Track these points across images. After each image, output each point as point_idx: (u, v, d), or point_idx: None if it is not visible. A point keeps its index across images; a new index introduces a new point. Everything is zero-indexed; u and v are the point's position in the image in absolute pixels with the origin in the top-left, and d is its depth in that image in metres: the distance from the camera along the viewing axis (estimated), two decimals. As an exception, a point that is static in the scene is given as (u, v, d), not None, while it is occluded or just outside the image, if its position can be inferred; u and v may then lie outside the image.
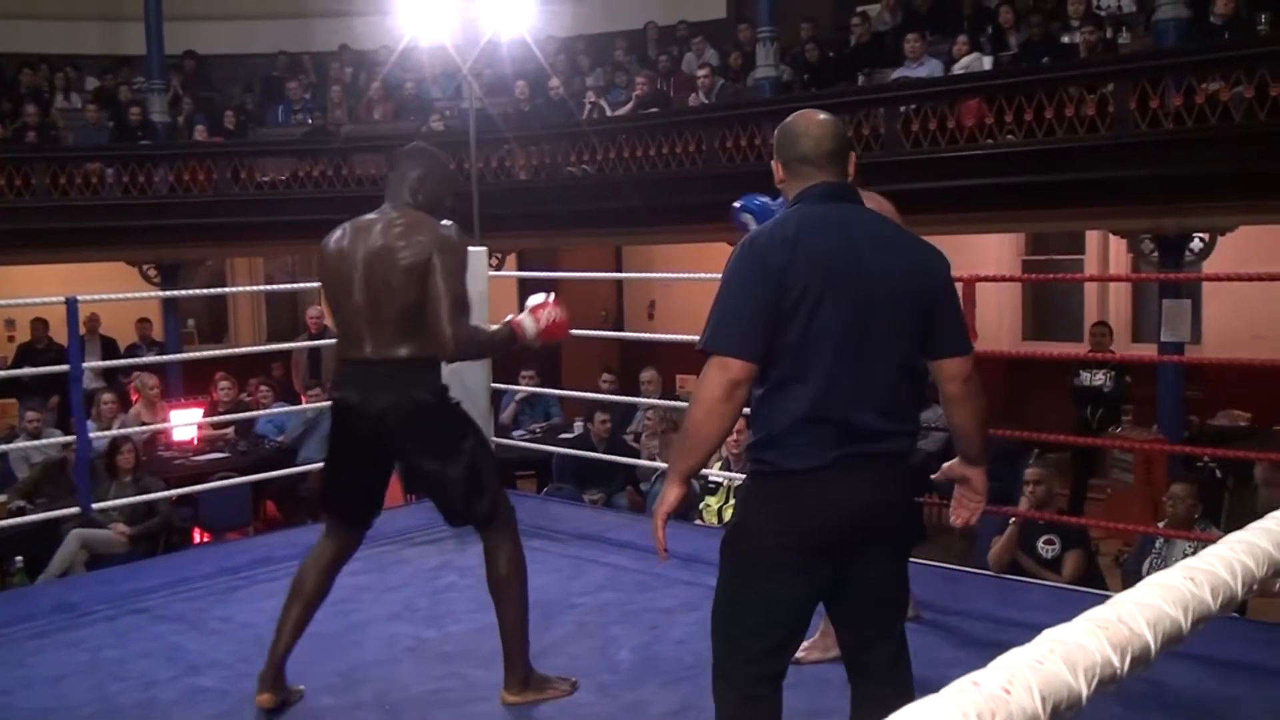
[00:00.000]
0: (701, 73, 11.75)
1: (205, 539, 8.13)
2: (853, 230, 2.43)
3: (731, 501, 6.50)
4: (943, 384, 2.53)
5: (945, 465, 2.75)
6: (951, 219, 9.34)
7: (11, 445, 7.86)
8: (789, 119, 2.58)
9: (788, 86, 11.37)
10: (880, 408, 2.39)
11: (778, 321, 2.35)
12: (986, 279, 5.11)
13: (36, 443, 8.00)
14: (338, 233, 3.42)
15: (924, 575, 4.68)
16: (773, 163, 2.63)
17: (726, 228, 11.59)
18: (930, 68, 10.11)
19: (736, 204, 3.73)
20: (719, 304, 2.41)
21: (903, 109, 9.61)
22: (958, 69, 9.95)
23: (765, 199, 3.59)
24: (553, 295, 3.51)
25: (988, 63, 9.94)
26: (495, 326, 3.48)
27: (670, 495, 2.47)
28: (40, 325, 12.15)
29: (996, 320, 11.69)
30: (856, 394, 2.37)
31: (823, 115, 2.57)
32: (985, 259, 11.46)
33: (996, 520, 5.84)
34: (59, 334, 11.75)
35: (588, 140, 11.54)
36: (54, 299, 5.32)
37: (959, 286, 4.08)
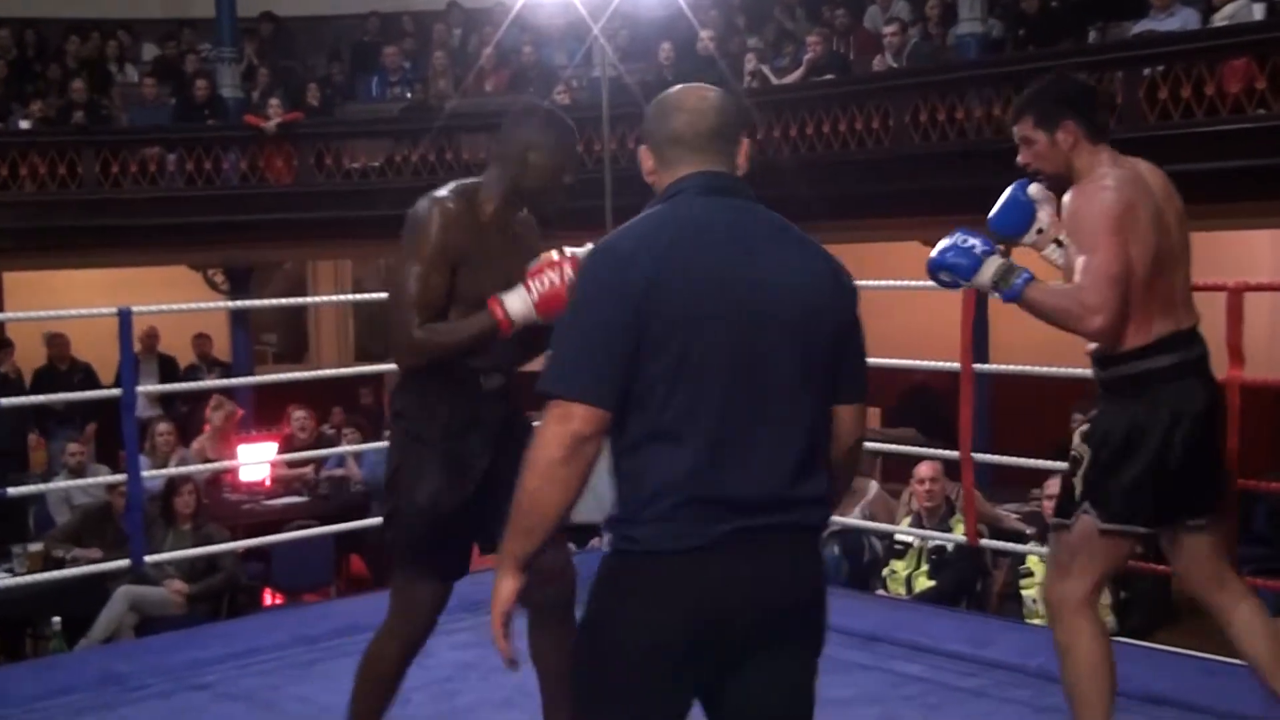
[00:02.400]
0: (889, 29, 11.66)
1: (278, 600, 8.31)
2: (743, 236, 2.31)
3: (924, 568, 6.41)
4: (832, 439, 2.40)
5: None
6: (1210, 210, 9.06)
7: (50, 485, 8.16)
8: (663, 93, 2.47)
9: (998, 45, 11.21)
10: (781, 468, 2.27)
11: (641, 357, 2.21)
12: (1260, 287, 4.93)
13: (81, 482, 8.29)
14: None
15: (1175, 666, 4.54)
16: (640, 149, 2.48)
17: (919, 224, 11.51)
18: (1183, 18, 9.85)
19: (934, 253, 3.46)
20: (561, 333, 2.29)
21: (1147, 71, 9.40)
22: (1219, 20, 9.67)
23: (977, 241, 3.35)
24: (568, 252, 3.27)
25: (1259, 11, 9.64)
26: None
27: (504, 588, 2.32)
28: (59, 342, 12.28)
29: (1270, 340, 11.28)
30: (748, 451, 2.25)
31: (709, 89, 2.45)
32: (1257, 261, 11.11)
33: (1269, 595, 5.63)
34: (83, 351, 12.18)
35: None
36: (105, 310, 5.51)
37: (1224, 296, 4.03)
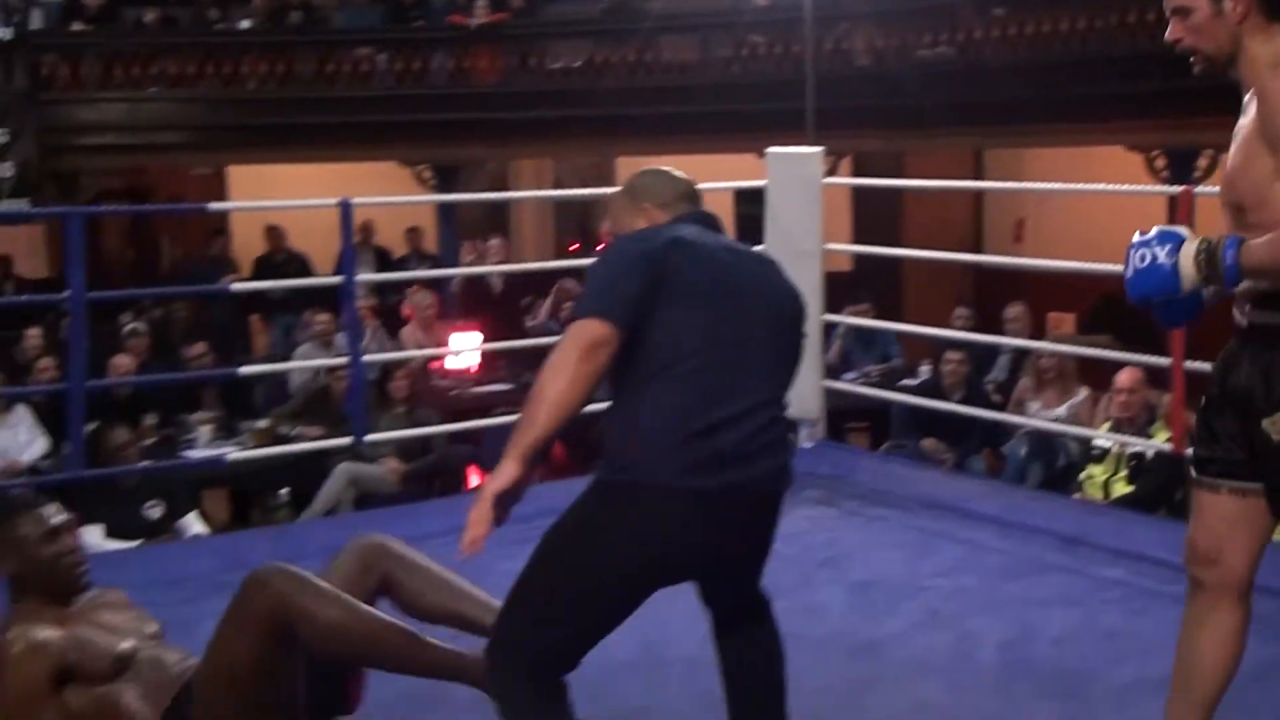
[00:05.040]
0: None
1: (484, 481, 8.51)
2: (725, 250, 2.75)
3: (1123, 473, 6.28)
4: None
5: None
6: None
7: (277, 366, 8.47)
8: (644, 172, 2.97)
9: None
10: (752, 429, 2.60)
11: (654, 305, 2.57)
12: None
13: (308, 363, 8.58)
14: None
15: None
16: (632, 210, 2.88)
17: (1124, 127, 11.07)
18: None
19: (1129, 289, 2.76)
20: (588, 284, 2.66)
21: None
22: None
23: (1155, 249, 2.67)
24: None
25: None
26: None
27: (505, 472, 2.56)
28: (277, 234, 12.68)
29: None
30: (729, 408, 2.57)
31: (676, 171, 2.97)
32: None
33: None
34: (297, 243, 12.51)
35: (952, 15, 11.25)
36: (327, 201, 5.66)
37: None
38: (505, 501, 2.60)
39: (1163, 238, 2.63)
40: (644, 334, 2.57)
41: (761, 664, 2.89)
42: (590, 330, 2.51)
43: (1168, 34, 2.69)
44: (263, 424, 8.05)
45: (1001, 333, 8.55)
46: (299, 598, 2.86)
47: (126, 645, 3.00)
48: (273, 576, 2.90)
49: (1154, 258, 2.62)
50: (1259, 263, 2.51)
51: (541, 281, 11.09)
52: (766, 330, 2.71)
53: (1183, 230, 2.65)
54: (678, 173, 2.96)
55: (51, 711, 2.91)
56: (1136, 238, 2.68)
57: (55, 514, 3.07)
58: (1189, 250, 2.58)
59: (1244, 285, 2.60)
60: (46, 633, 2.92)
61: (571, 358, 2.50)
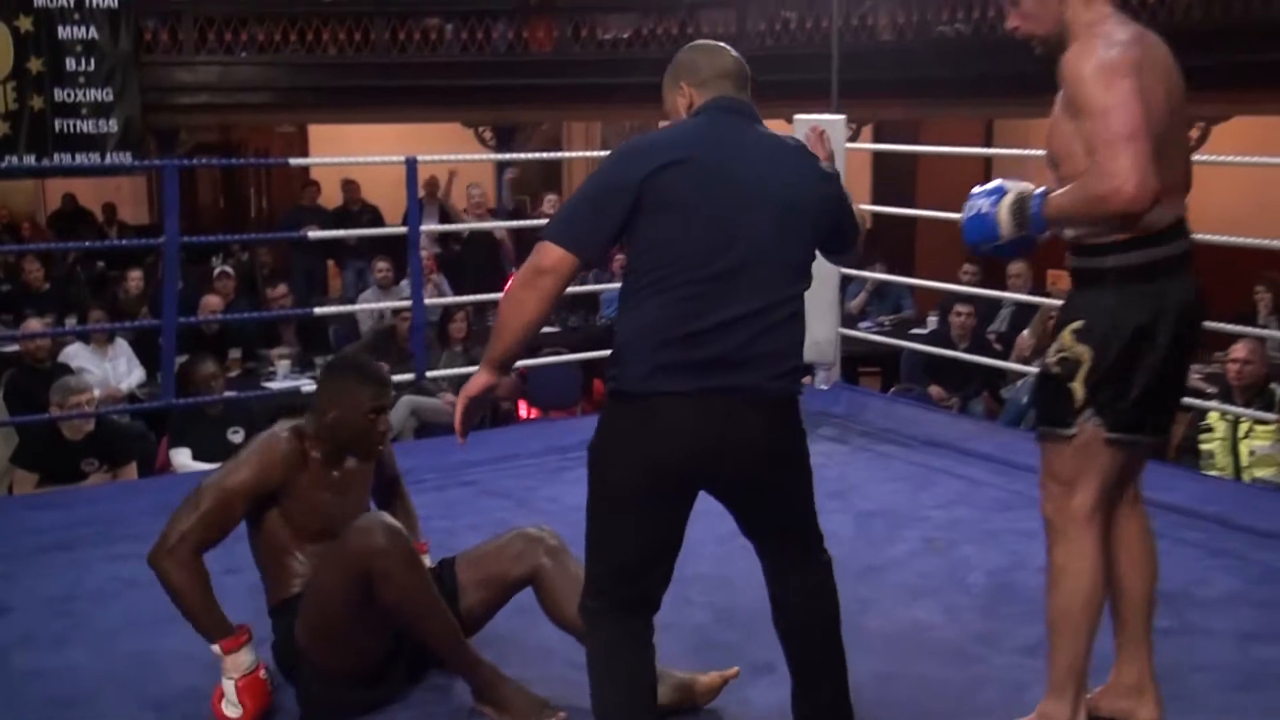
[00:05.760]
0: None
1: (533, 415, 8.55)
2: (742, 143, 2.54)
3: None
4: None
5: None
6: None
7: (349, 307, 8.50)
8: (691, 46, 2.74)
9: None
10: (749, 335, 2.43)
11: (638, 226, 2.44)
12: None
13: (373, 305, 8.62)
14: None
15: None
16: (672, 89, 2.68)
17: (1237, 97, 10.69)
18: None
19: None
20: (566, 202, 2.52)
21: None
22: None
23: (983, 200, 2.76)
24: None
25: None
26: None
27: (476, 380, 2.59)
28: (352, 187, 12.63)
29: None
30: (723, 314, 2.42)
31: (725, 46, 2.71)
32: None
33: None
34: (371, 194, 12.53)
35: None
36: (394, 158, 5.67)
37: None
38: (480, 403, 2.64)
39: (990, 191, 2.74)
40: (636, 249, 2.48)
41: (808, 614, 2.66)
42: (545, 254, 2.44)
43: (1007, 23, 2.75)
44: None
45: (1005, 288, 8.49)
46: (386, 559, 2.83)
47: (333, 519, 3.02)
48: (376, 530, 2.88)
49: (979, 209, 2.74)
50: (1058, 211, 2.60)
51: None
52: (771, 234, 2.47)
53: (1009, 184, 2.73)
54: (722, 47, 2.70)
55: (272, 512, 3.01)
56: (974, 190, 2.78)
57: (389, 392, 3.11)
58: (1007, 202, 2.68)
59: (1068, 234, 2.67)
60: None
61: (524, 279, 2.47)
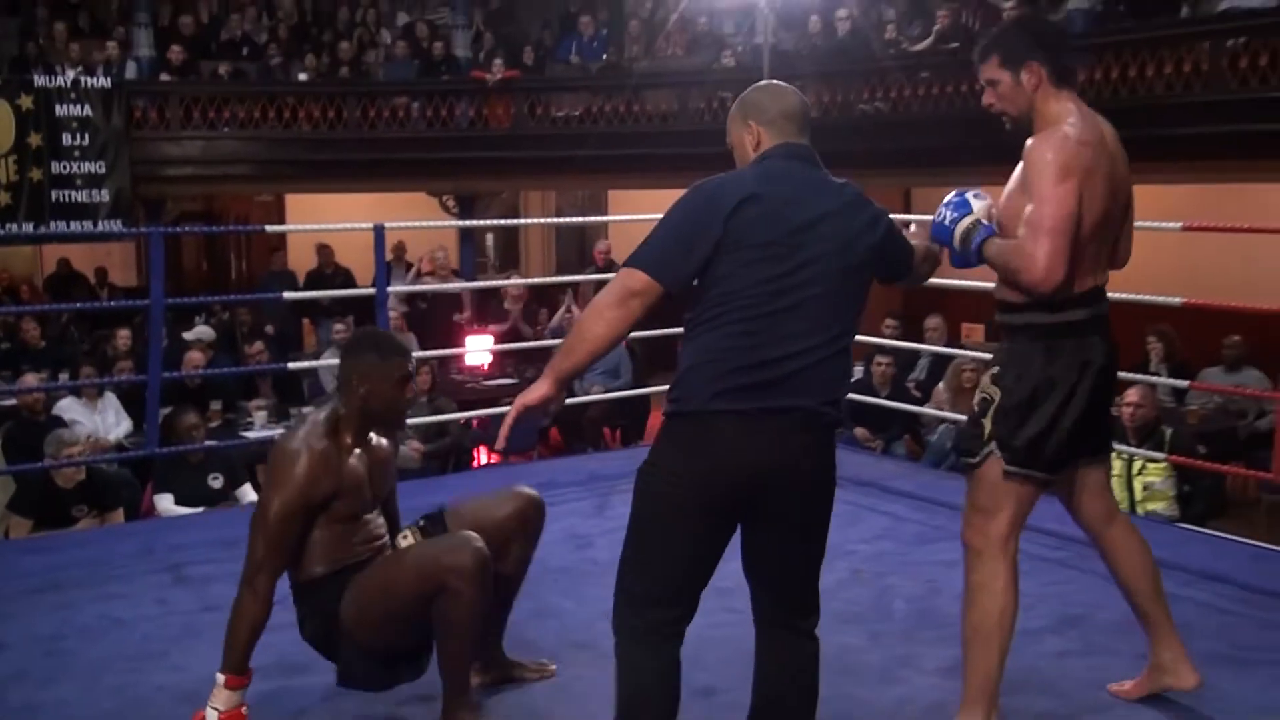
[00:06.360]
0: (1008, 4, 11.22)
1: (492, 460, 8.52)
2: (804, 186, 2.48)
3: None
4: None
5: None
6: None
7: (321, 362, 8.44)
8: (760, 85, 2.66)
9: (1102, 18, 10.72)
10: (804, 361, 2.39)
11: (714, 261, 2.37)
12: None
13: (330, 362, 8.56)
14: None
15: (1230, 550, 4.42)
16: (738, 126, 2.61)
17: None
18: (1265, -2, 9.30)
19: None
20: (653, 230, 2.43)
21: (1230, 43, 8.91)
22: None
23: (948, 211, 2.86)
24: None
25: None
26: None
27: (537, 389, 2.45)
28: (326, 251, 12.59)
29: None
30: (780, 343, 2.37)
31: (790, 88, 2.65)
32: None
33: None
34: (344, 258, 12.47)
35: (885, 76, 11.26)
36: (363, 225, 5.67)
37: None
38: (535, 413, 2.46)
39: (959, 205, 2.83)
40: (705, 284, 2.40)
41: (789, 683, 2.58)
42: (632, 280, 2.36)
43: (983, 100, 2.87)
44: (309, 410, 8.05)
45: (922, 340, 8.58)
46: (464, 581, 2.80)
47: (367, 500, 3.00)
48: (467, 551, 2.84)
49: (944, 218, 2.84)
50: (993, 255, 2.74)
51: (545, 292, 11.06)
52: (831, 275, 2.42)
53: (977, 204, 2.82)
54: (786, 88, 2.64)
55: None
56: (949, 196, 2.86)
57: (411, 360, 3.05)
58: (963, 225, 2.79)
59: (997, 294, 2.83)
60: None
61: (610, 300, 2.37)
